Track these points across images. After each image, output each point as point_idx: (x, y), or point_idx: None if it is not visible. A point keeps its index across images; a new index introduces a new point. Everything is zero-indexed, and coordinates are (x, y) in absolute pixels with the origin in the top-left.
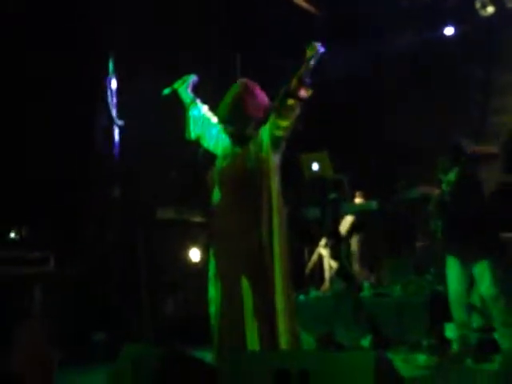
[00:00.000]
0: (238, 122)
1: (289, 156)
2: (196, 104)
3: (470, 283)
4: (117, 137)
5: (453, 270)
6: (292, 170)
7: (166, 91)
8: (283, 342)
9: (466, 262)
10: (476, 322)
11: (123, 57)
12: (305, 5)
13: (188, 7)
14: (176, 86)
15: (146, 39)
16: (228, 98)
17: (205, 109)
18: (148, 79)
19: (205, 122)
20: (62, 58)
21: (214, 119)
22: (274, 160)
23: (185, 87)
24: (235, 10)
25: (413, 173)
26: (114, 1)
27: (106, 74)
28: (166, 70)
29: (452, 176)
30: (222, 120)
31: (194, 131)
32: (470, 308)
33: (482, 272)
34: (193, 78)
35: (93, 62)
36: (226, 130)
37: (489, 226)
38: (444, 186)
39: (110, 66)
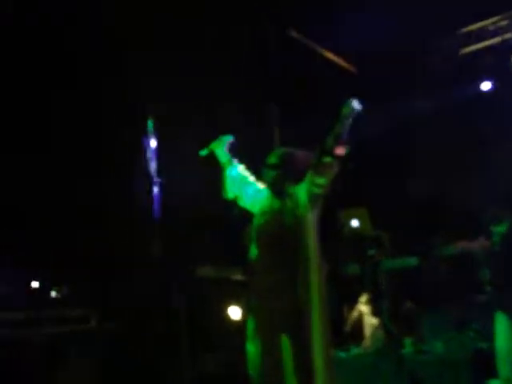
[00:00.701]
0: (287, 174)
1: (328, 212)
2: (233, 164)
3: None
4: (156, 195)
5: (501, 324)
6: (331, 226)
7: (204, 152)
8: None
9: None
10: None
11: (162, 115)
12: (343, 63)
13: (228, 61)
14: (213, 146)
15: (185, 96)
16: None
17: (241, 168)
18: (187, 136)
19: (242, 181)
20: (103, 118)
21: (251, 178)
22: (312, 217)
23: (221, 147)
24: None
25: (450, 229)
26: (151, 59)
27: (145, 133)
28: (204, 127)
29: (503, 228)
30: (272, 166)
31: (231, 191)
32: None
33: None
34: (229, 139)
35: (132, 121)
36: (268, 180)
37: None
38: (495, 238)
39: (149, 124)
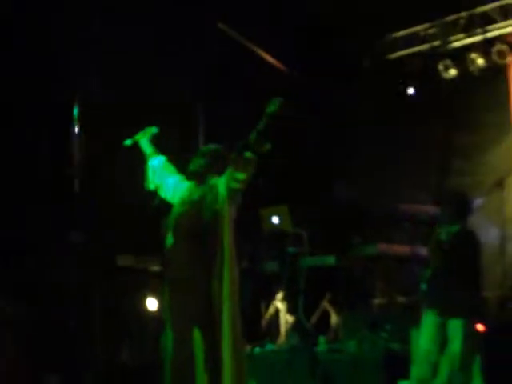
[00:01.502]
0: (213, 164)
1: (249, 209)
2: (156, 155)
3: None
4: (78, 183)
5: (427, 325)
6: (251, 223)
7: (128, 142)
8: None
9: (444, 318)
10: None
11: (88, 104)
12: (273, 61)
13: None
14: (137, 137)
15: (110, 88)
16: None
17: (164, 160)
18: (112, 128)
19: (163, 171)
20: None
21: (173, 169)
22: (230, 212)
23: (146, 139)
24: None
25: (370, 230)
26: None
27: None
28: (129, 121)
29: (455, 228)
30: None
31: (152, 181)
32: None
33: (456, 331)
34: (154, 131)
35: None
36: (194, 167)
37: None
38: (444, 236)
39: (75, 112)
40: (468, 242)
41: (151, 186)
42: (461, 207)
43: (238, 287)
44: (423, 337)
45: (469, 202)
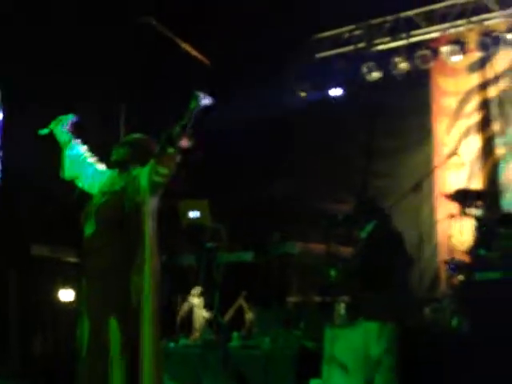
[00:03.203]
0: (136, 154)
1: (167, 202)
2: (72, 144)
3: None
4: None
5: None
6: (169, 216)
7: (43, 131)
8: None
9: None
10: None
11: (10, 88)
12: (196, 54)
13: (75, 51)
14: (52, 126)
15: (36, 74)
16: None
17: (83, 149)
18: (34, 112)
19: (82, 161)
20: None
21: (92, 159)
22: (151, 205)
23: (61, 127)
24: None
25: (291, 229)
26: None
27: None
28: (53, 105)
29: (370, 227)
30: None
31: (69, 170)
32: None
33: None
34: (71, 118)
35: None
36: (117, 156)
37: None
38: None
39: None
40: (382, 241)
41: (67, 175)
42: (368, 208)
43: (160, 280)
44: None
45: (375, 201)
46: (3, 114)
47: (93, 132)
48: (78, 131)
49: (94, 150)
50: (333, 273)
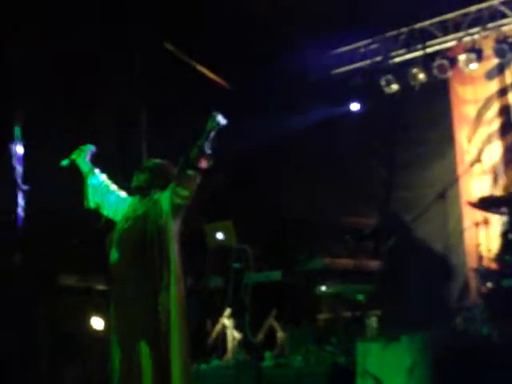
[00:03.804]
0: (157, 179)
1: (192, 225)
2: (94, 173)
3: None
4: (21, 202)
5: None
6: (195, 239)
7: (64, 162)
8: None
9: None
10: None
11: (30, 122)
12: (214, 77)
13: (101, 71)
14: (74, 156)
15: (55, 104)
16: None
17: (103, 177)
18: (55, 145)
19: (104, 189)
20: None
21: (113, 187)
22: (173, 227)
23: (82, 157)
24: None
25: (317, 245)
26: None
27: (12, 138)
28: (74, 136)
29: (392, 241)
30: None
31: (92, 200)
32: None
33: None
34: (90, 149)
35: None
36: (138, 182)
37: None
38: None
39: (17, 130)
40: (406, 254)
41: (91, 205)
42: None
43: (185, 301)
44: None
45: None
46: (24, 148)
47: (112, 158)
48: (97, 160)
49: (113, 177)
50: (361, 297)
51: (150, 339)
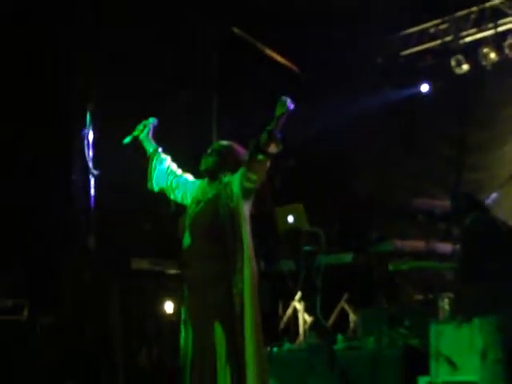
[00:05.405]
0: (226, 162)
1: (263, 209)
2: (159, 155)
3: None
4: (93, 188)
5: None
6: (267, 223)
7: (127, 140)
8: None
9: None
10: None
11: (100, 108)
12: (284, 62)
13: (166, 57)
14: (136, 132)
15: (123, 89)
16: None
17: (168, 161)
18: (125, 129)
19: (170, 174)
20: (38, 112)
21: (179, 171)
22: (244, 210)
23: (146, 134)
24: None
25: (386, 226)
26: (90, 53)
27: (83, 126)
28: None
29: (468, 221)
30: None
31: (156, 184)
32: None
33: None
34: (152, 122)
35: (70, 114)
36: (207, 165)
37: None
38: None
39: (88, 118)
40: (483, 234)
41: (155, 188)
42: (467, 205)
43: (257, 284)
44: None
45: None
46: (94, 133)
47: (183, 141)
48: (167, 145)
49: (183, 162)
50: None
51: (224, 321)
